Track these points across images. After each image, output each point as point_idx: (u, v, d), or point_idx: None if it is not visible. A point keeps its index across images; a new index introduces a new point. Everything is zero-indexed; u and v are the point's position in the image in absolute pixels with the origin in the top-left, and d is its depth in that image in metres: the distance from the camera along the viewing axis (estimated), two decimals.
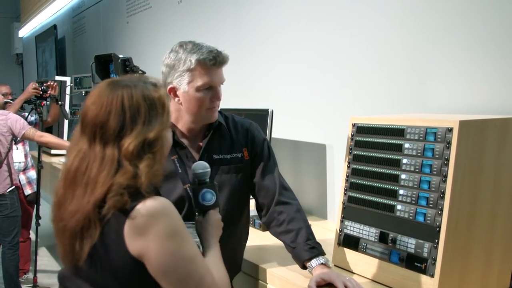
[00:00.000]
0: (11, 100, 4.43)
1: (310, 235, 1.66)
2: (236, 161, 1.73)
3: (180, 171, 1.65)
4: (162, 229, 1.18)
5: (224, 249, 1.46)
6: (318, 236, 2.21)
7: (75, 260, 1.20)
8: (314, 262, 1.60)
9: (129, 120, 1.20)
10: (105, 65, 3.64)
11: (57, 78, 5.44)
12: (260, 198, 1.76)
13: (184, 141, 1.70)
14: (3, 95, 4.39)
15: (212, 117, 1.69)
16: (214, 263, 1.35)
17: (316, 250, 1.63)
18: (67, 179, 1.23)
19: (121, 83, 1.25)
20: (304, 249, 1.62)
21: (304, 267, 1.64)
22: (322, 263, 1.59)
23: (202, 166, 1.52)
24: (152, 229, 1.17)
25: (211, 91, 1.64)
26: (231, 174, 1.71)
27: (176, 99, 1.66)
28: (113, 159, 1.19)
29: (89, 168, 1.19)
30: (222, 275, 1.33)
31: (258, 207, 1.78)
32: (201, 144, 1.71)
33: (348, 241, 1.73)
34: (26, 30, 9.24)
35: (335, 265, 1.78)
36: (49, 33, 7.35)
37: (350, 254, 1.72)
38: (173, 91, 1.65)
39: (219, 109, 1.75)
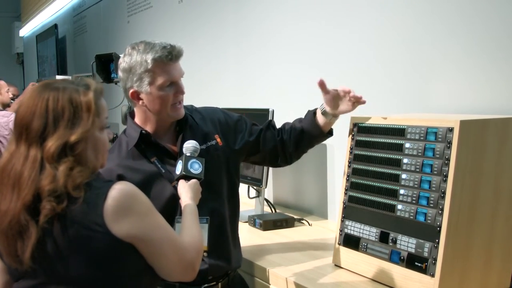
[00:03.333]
0: (12, 100, 4.44)
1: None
2: (212, 149, 1.73)
3: (163, 171, 1.64)
4: (141, 206, 1.25)
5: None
6: (319, 236, 2.21)
7: (18, 262, 1.21)
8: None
9: (51, 122, 1.22)
10: (106, 64, 3.64)
11: (58, 77, 5.44)
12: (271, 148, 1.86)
13: (159, 141, 1.68)
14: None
15: (179, 113, 1.68)
16: (189, 226, 1.41)
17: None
18: None
19: (50, 86, 1.27)
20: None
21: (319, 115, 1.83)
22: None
23: (193, 144, 1.60)
24: (134, 208, 1.23)
25: (173, 86, 1.64)
26: (209, 163, 1.64)
27: (140, 102, 1.64)
28: (35, 159, 1.20)
29: (14, 169, 1.21)
30: (195, 236, 1.38)
31: (274, 156, 1.86)
32: (176, 140, 1.70)
33: (349, 241, 1.73)
34: (27, 30, 9.22)
35: (335, 265, 1.78)
36: (49, 33, 7.35)
37: (351, 254, 1.72)
38: (136, 94, 1.64)
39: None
